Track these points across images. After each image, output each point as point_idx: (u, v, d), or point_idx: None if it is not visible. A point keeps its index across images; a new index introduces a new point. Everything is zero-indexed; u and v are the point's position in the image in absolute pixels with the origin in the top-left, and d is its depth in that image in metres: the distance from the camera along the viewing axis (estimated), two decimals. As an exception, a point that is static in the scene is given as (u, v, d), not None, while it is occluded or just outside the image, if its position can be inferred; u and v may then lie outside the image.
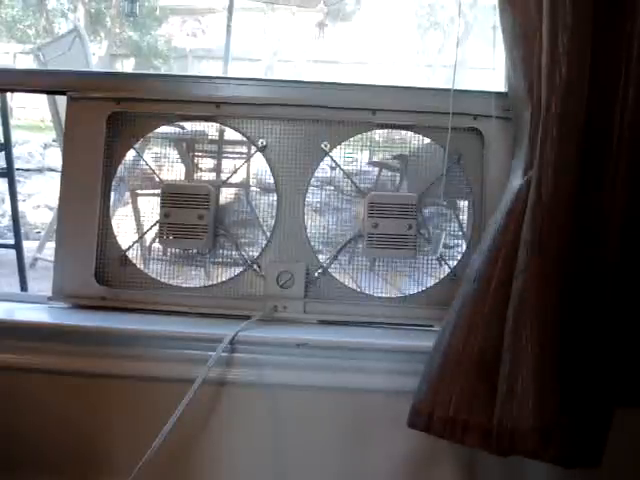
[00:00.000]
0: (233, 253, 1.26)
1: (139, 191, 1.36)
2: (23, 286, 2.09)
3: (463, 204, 1.27)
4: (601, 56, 0.96)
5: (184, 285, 1.25)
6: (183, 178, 1.29)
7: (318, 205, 1.28)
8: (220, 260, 1.27)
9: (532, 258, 0.94)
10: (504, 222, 0.99)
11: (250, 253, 1.25)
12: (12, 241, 2.19)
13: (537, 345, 0.94)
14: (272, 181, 1.25)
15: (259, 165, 1.27)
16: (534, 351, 0.94)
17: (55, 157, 4.97)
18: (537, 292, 0.94)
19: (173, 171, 1.28)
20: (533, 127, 0.97)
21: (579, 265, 0.96)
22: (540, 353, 0.93)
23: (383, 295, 1.24)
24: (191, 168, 1.30)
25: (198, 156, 1.32)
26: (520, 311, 0.95)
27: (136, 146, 1.27)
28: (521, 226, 0.97)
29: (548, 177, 0.95)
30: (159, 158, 1.29)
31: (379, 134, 1.28)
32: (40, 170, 5.06)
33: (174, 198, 1.23)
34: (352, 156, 1.26)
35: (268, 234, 1.25)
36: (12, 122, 2.51)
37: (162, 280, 1.25)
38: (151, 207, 1.26)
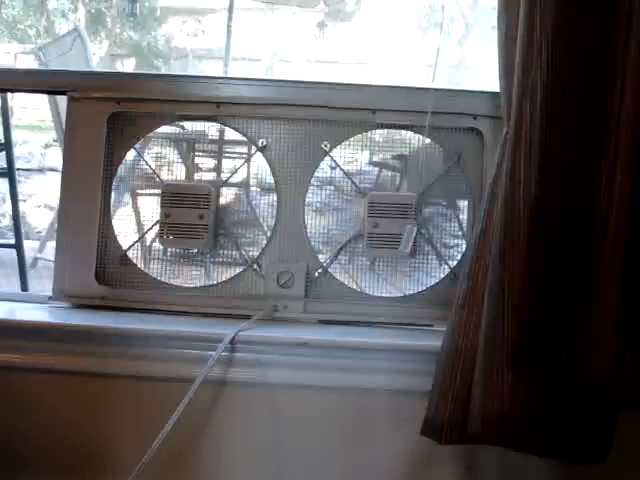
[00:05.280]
0: (233, 253, 1.26)
1: (139, 191, 1.36)
2: (24, 286, 2.08)
3: (463, 204, 1.27)
4: (593, 48, 0.94)
5: (184, 285, 1.26)
6: (183, 178, 1.29)
7: (318, 205, 1.28)
8: (220, 260, 1.27)
9: (500, 262, 0.95)
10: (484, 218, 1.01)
11: (250, 253, 1.25)
12: (13, 241, 2.19)
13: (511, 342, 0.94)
14: (272, 181, 1.25)
15: (259, 165, 1.27)
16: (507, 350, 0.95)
17: (56, 157, 4.96)
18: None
19: (173, 171, 1.28)
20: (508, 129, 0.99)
21: (561, 265, 0.95)
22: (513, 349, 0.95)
23: (383, 295, 1.24)
24: (191, 168, 1.31)
25: (198, 156, 1.32)
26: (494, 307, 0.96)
27: (136, 146, 1.27)
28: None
29: (517, 173, 0.95)
30: (159, 158, 1.29)
31: (379, 134, 1.28)
32: (41, 170, 5.05)
33: (174, 198, 1.23)
34: (352, 156, 1.26)
35: (268, 234, 1.25)
36: (13, 122, 2.50)
37: (162, 280, 1.25)
38: (151, 207, 1.26)
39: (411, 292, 1.24)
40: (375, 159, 1.37)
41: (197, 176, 1.31)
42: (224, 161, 1.34)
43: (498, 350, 0.95)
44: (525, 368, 0.95)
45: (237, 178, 1.29)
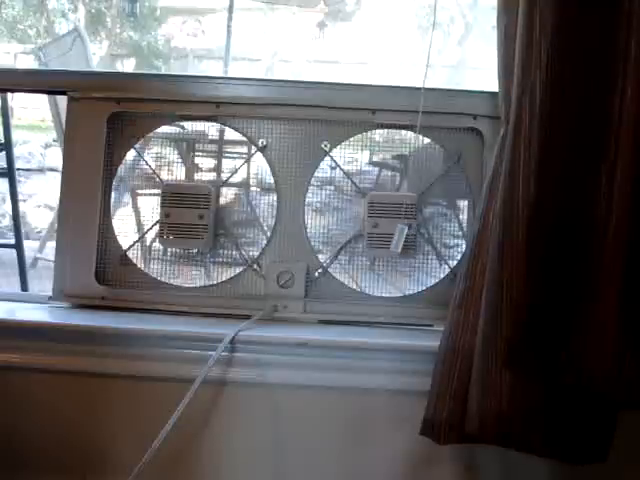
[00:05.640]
0: (233, 253, 1.26)
1: (139, 191, 1.36)
2: (24, 286, 2.08)
3: (463, 204, 1.27)
4: (593, 48, 0.94)
5: (184, 285, 1.26)
6: (183, 178, 1.29)
7: (318, 205, 1.28)
8: (220, 260, 1.27)
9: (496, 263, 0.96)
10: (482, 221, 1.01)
11: (250, 253, 1.25)
12: (13, 241, 2.19)
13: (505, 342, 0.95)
14: (272, 181, 1.25)
15: (259, 165, 1.27)
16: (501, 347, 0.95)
17: (56, 157, 4.96)
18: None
19: (173, 171, 1.28)
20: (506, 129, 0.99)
21: (561, 264, 0.95)
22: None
23: (383, 295, 1.24)
24: (191, 168, 1.31)
25: (198, 156, 1.32)
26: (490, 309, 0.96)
27: (136, 146, 1.27)
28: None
29: (515, 176, 0.95)
30: (159, 158, 1.29)
31: (379, 134, 1.28)
32: (41, 170, 5.05)
33: (174, 198, 1.23)
34: (352, 156, 1.26)
35: (268, 234, 1.25)
36: (13, 122, 2.50)
37: (162, 280, 1.25)
38: (151, 207, 1.26)
39: (411, 292, 1.24)
40: (375, 159, 1.37)
41: (197, 176, 1.31)
42: (224, 161, 1.34)
43: (496, 349, 0.95)
44: (523, 367, 0.95)
45: (237, 178, 1.29)
